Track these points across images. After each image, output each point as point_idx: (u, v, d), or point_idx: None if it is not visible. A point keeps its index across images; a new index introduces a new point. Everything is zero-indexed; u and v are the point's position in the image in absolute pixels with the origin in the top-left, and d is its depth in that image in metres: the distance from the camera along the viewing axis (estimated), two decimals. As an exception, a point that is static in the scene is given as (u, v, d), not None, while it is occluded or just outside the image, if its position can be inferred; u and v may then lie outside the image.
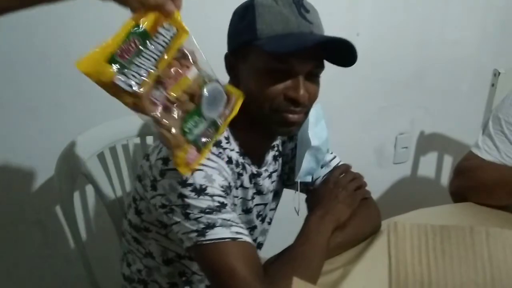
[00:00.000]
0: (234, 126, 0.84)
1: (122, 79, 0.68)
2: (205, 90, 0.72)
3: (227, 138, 0.86)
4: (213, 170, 0.78)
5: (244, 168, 0.89)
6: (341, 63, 0.84)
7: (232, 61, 0.86)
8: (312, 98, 0.84)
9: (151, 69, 0.70)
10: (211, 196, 0.77)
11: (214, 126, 0.73)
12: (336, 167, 1.02)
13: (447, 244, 0.87)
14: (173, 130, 0.70)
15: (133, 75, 0.69)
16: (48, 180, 1.35)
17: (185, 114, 0.72)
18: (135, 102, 0.69)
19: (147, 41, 0.71)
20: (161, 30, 0.71)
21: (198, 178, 0.76)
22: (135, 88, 0.68)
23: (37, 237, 1.43)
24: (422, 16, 1.75)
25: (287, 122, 0.83)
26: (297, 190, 1.00)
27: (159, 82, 0.71)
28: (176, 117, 0.71)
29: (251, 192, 0.94)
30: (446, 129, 1.97)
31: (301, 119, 0.85)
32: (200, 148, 0.72)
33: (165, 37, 0.71)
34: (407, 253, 0.87)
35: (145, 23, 0.70)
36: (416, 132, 1.98)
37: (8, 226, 1.37)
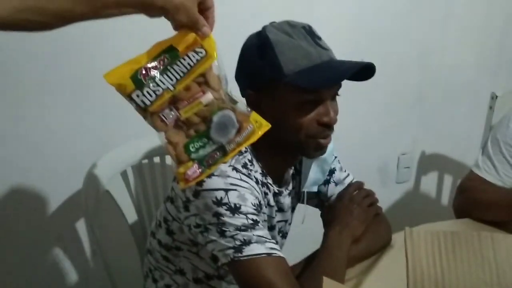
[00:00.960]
0: (256, 150, 0.91)
1: (138, 95, 0.73)
2: (215, 116, 0.74)
3: (250, 161, 0.90)
4: (245, 189, 0.83)
5: (268, 187, 0.94)
6: (357, 79, 0.89)
7: (253, 97, 0.89)
8: (337, 116, 0.90)
9: (168, 88, 0.73)
10: (245, 214, 0.81)
11: (222, 150, 0.75)
12: (350, 184, 1.07)
13: (458, 248, 0.95)
14: (178, 147, 0.74)
15: (149, 93, 0.73)
16: (70, 197, 1.39)
17: (194, 134, 0.75)
18: (147, 117, 0.74)
19: (175, 62, 0.74)
20: (190, 52, 0.74)
21: (232, 198, 0.81)
22: (147, 105, 0.73)
23: (57, 252, 1.46)
24: (422, 41, 1.84)
25: (321, 146, 0.90)
26: (303, 201, 1.05)
27: (173, 101, 0.74)
28: (184, 136, 0.75)
29: (273, 210, 0.98)
30: (446, 150, 2.03)
31: (330, 140, 0.92)
32: (204, 168, 0.75)
33: (192, 60, 0.74)
34: (423, 257, 0.94)
35: (178, 45, 0.74)
36: (418, 152, 2.04)
37: (29, 241, 1.40)
